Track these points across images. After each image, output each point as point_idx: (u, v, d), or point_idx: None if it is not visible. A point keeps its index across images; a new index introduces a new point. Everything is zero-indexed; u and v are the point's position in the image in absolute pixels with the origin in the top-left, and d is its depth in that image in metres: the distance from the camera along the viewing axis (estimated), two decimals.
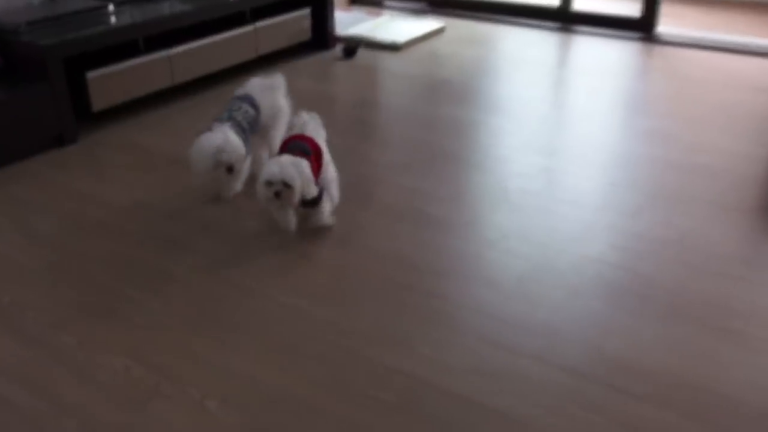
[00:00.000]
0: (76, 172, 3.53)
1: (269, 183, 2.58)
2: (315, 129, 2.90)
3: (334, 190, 2.93)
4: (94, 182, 3.41)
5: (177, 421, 2.01)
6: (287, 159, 2.60)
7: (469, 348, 2.29)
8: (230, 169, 2.91)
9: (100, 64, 3.89)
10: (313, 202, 2.77)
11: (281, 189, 2.57)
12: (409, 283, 2.61)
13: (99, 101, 3.91)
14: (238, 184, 3.13)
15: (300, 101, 4.13)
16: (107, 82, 3.92)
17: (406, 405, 2.07)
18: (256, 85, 3.21)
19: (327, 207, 2.84)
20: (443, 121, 4.11)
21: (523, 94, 4.52)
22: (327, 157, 2.89)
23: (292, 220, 2.83)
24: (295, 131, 2.87)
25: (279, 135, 3.25)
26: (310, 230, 2.90)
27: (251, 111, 3.07)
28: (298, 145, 2.74)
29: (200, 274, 2.67)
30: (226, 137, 2.84)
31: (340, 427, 2.00)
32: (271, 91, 3.22)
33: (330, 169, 2.91)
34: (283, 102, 3.28)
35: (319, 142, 2.85)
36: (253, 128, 3.07)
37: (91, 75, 3.83)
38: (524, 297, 2.53)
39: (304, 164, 2.60)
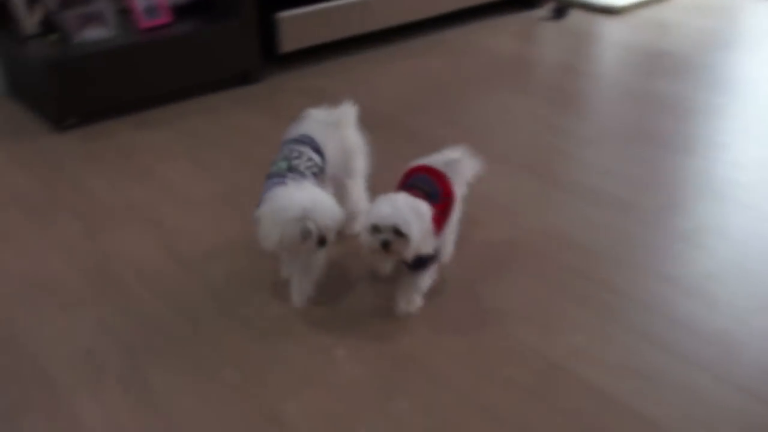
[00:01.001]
0: (253, 111, 3.80)
1: (376, 228, 2.06)
2: (460, 169, 2.39)
3: (448, 245, 2.48)
4: (269, 123, 3.65)
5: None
6: (403, 199, 2.08)
7: (627, 344, 2.19)
8: (322, 242, 2.16)
9: (292, 5, 4.13)
10: (419, 264, 2.20)
11: (391, 238, 2.05)
12: (576, 266, 2.53)
13: (287, 43, 4.15)
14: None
15: (494, 63, 4.13)
16: (297, 24, 4.15)
17: (540, 391, 2.03)
18: (317, 120, 2.49)
19: (428, 280, 2.30)
20: (654, 96, 3.90)
21: (757, 74, 4.16)
22: (457, 209, 2.39)
23: (389, 265, 2.44)
24: (430, 162, 2.36)
25: (359, 186, 2.64)
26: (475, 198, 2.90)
27: (316, 158, 2.36)
28: (423, 181, 2.24)
29: None
30: (314, 197, 2.14)
31: (466, 400, 2.00)
32: (337, 128, 2.51)
33: (455, 217, 2.41)
34: (354, 139, 2.57)
35: (456, 187, 2.34)
36: (318, 182, 2.36)
37: (282, 15, 4.08)
38: (705, 299, 2.36)
39: (425, 209, 2.09)
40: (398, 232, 2.04)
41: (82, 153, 3.39)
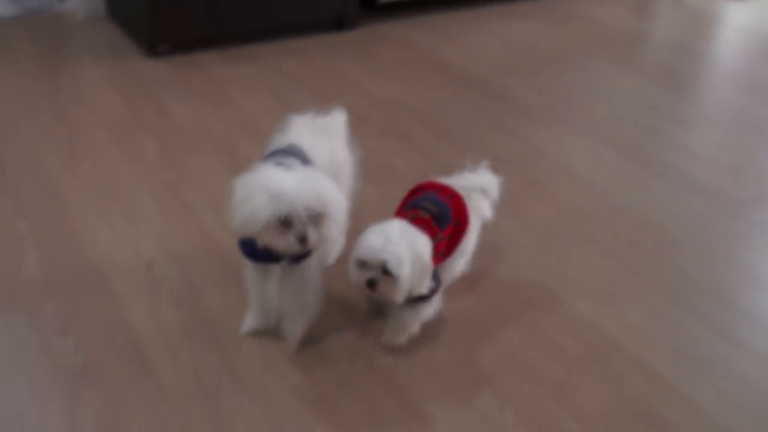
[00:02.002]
0: (344, 57, 3.87)
1: (362, 263, 1.83)
2: (476, 193, 2.15)
3: (455, 265, 2.18)
4: (357, 70, 3.72)
5: None
6: (400, 230, 1.83)
7: (685, 327, 2.16)
8: (302, 239, 1.75)
9: None
10: (419, 298, 1.95)
11: (378, 277, 1.81)
12: (646, 245, 2.50)
13: None
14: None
15: (600, 34, 4.06)
16: None
17: (589, 362, 2.04)
18: (305, 128, 2.19)
19: (428, 311, 2.05)
20: (766, 85, 3.77)
21: None
22: (474, 232, 2.15)
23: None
24: (448, 181, 2.10)
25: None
26: (548, 166, 2.89)
27: None
28: (431, 200, 1.98)
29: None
30: (310, 177, 1.80)
31: (510, 357, 2.03)
32: (327, 137, 2.23)
33: (469, 242, 2.15)
34: (343, 154, 2.26)
35: (472, 212, 2.10)
36: None
37: None
38: None
39: (424, 245, 1.84)
40: (386, 272, 1.79)
41: (170, 79, 3.55)
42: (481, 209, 2.16)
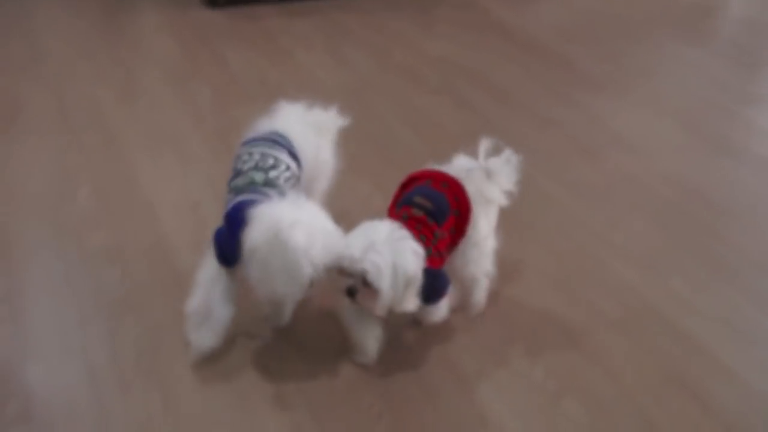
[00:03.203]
0: (405, 16, 3.91)
1: (342, 270, 1.70)
2: (477, 174, 1.91)
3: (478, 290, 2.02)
4: (415, 28, 3.75)
5: None
6: (387, 234, 1.67)
7: (729, 298, 2.17)
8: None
9: None
10: (425, 298, 1.79)
11: (358, 286, 1.69)
12: (699, 217, 2.50)
13: None
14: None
15: (673, 6, 4.00)
16: None
17: (628, 326, 2.07)
18: (295, 117, 2.06)
19: (443, 307, 1.89)
20: None
21: None
22: (485, 228, 1.93)
23: (372, 343, 1.85)
24: (448, 171, 1.92)
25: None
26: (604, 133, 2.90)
27: (293, 166, 1.93)
28: (427, 194, 1.81)
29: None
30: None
31: (547, 317, 2.08)
32: (318, 133, 2.10)
33: (484, 243, 1.94)
34: (329, 156, 2.14)
35: (476, 197, 1.88)
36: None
37: None
38: None
39: (411, 250, 1.67)
40: (366, 282, 1.66)
41: (228, 30, 3.65)
42: (484, 192, 1.90)
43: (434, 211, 1.78)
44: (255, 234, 1.66)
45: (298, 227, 1.63)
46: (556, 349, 1.99)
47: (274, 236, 1.63)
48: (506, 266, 2.25)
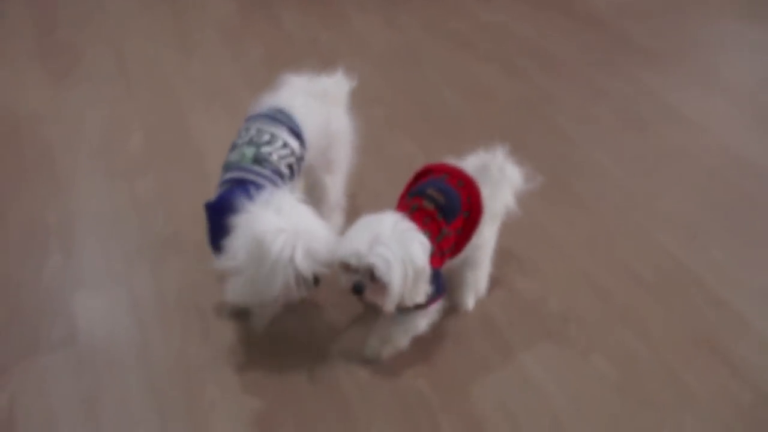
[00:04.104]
0: None
1: (347, 266, 1.63)
2: (497, 179, 1.83)
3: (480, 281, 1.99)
4: (474, 1, 3.77)
5: None
6: (392, 227, 1.60)
7: None
8: (317, 280, 1.73)
9: None
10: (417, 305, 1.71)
11: (366, 282, 1.62)
12: (747, 192, 2.49)
13: None
14: None
15: None
16: None
17: (661, 290, 2.09)
18: (299, 91, 1.97)
19: (422, 322, 1.80)
20: None
21: None
22: (488, 234, 1.88)
23: (377, 345, 1.85)
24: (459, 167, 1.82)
25: (338, 186, 2.10)
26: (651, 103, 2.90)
27: (293, 144, 1.85)
28: (439, 187, 1.74)
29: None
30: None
31: (580, 274, 2.12)
32: (323, 103, 1.98)
33: (488, 239, 1.90)
34: (343, 123, 2.03)
35: (487, 199, 1.80)
36: (291, 179, 1.87)
37: None
38: None
39: (419, 244, 1.61)
40: (374, 278, 1.59)
41: None
42: (496, 195, 1.83)
43: (445, 207, 1.71)
44: (238, 244, 1.64)
45: (280, 237, 1.60)
46: (588, 308, 2.03)
47: (256, 247, 1.61)
48: (544, 228, 2.29)
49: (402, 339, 1.81)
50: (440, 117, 2.82)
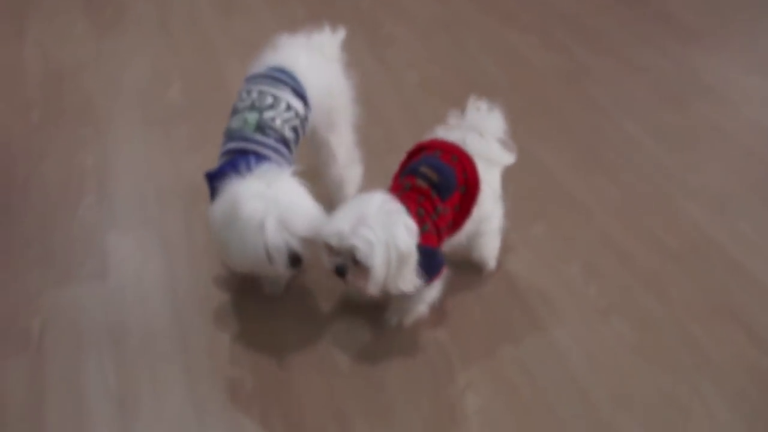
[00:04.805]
0: None
1: (330, 247, 1.58)
2: (484, 139, 1.80)
3: (488, 244, 1.94)
4: None
5: None
6: (378, 208, 1.55)
7: None
8: (295, 261, 1.67)
9: None
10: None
11: (347, 265, 1.58)
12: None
13: None
14: None
15: None
16: None
17: (685, 258, 2.09)
18: (299, 48, 1.91)
19: (432, 293, 1.79)
20: None
21: None
22: (491, 198, 1.81)
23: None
24: (450, 137, 1.79)
25: (346, 143, 2.05)
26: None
27: (297, 105, 1.80)
28: (432, 165, 1.69)
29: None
30: (281, 196, 1.61)
31: (605, 240, 2.13)
32: (325, 60, 1.94)
33: (493, 213, 1.86)
34: (341, 84, 1.98)
35: (482, 169, 1.75)
36: (297, 142, 1.83)
37: None
38: None
39: (404, 225, 1.55)
40: (356, 261, 1.54)
41: None
42: (484, 154, 1.79)
43: (439, 184, 1.65)
44: (215, 207, 1.65)
45: (256, 200, 1.56)
46: (611, 271, 2.04)
47: (229, 209, 1.59)
48: (573, 194, 2.31)
49: (419, 307, 1.81)
50: (476, 84, 2.83)
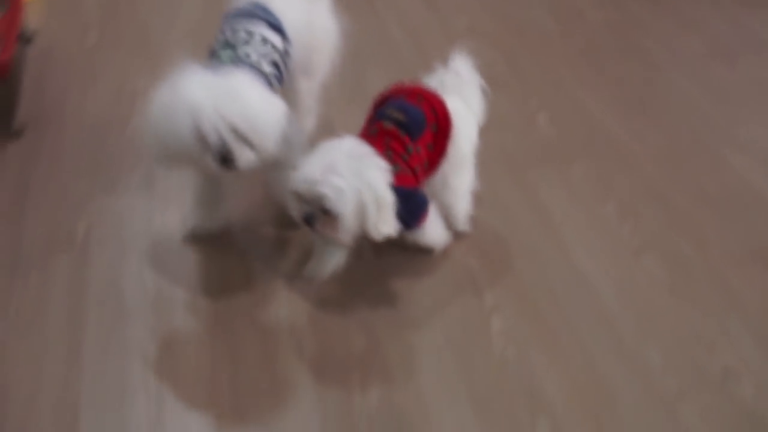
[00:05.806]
0: None
1: (298, 195, 1.53)
2: (460, 87, 1.77)
3: (458, 205, 1.86)
4: None
5: None
6: (348, 153, 1.51)
7: None
8: (225, 160, 1.53)
9: None
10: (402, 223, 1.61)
11: (316, 214, 1.52)
12: None
13: None
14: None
15: None
16: None
17: (724, 203, 2.08)
18: None
19: (433, 230, 1.78)
20: None
21: None
22: (465, 148, 1.76)
23: (327, 267, 1.76)
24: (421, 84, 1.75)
25: (312, 92, 1.97)
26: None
27: (274, 39, 1.72)
28: (398, 107, 1.64)
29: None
30: (228, 85, 1.54)
31: (647, 183, 2.14)
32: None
33: (462, 173, 1.80)
34: (326, 23, 1.89)
35: (454, 111, 1.70)
36: (279, 78, 1.74)
37: None
38: None
39: (377, 169, 1.51)
40: (325, 210, 1.48)
41: None
42: (461, 94, 1.77)
43: (407, 123, 1.60)
44: (158, 90, 1.53)
45: (198, 83, 1.47)
46: (646, 213, 2.05)
47: (167, 87, 1.50)
48: (615, 139, 2.31)
49: (335, 259, 1.74)
50: (526, 32, 2.83)
